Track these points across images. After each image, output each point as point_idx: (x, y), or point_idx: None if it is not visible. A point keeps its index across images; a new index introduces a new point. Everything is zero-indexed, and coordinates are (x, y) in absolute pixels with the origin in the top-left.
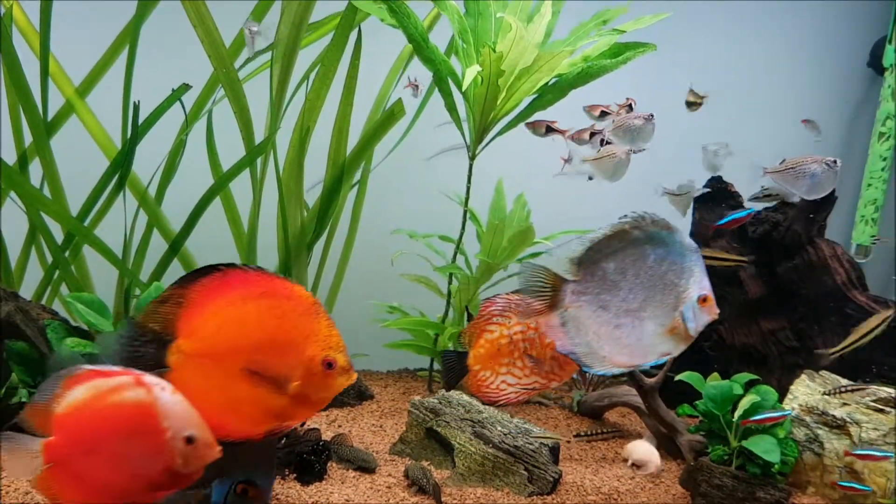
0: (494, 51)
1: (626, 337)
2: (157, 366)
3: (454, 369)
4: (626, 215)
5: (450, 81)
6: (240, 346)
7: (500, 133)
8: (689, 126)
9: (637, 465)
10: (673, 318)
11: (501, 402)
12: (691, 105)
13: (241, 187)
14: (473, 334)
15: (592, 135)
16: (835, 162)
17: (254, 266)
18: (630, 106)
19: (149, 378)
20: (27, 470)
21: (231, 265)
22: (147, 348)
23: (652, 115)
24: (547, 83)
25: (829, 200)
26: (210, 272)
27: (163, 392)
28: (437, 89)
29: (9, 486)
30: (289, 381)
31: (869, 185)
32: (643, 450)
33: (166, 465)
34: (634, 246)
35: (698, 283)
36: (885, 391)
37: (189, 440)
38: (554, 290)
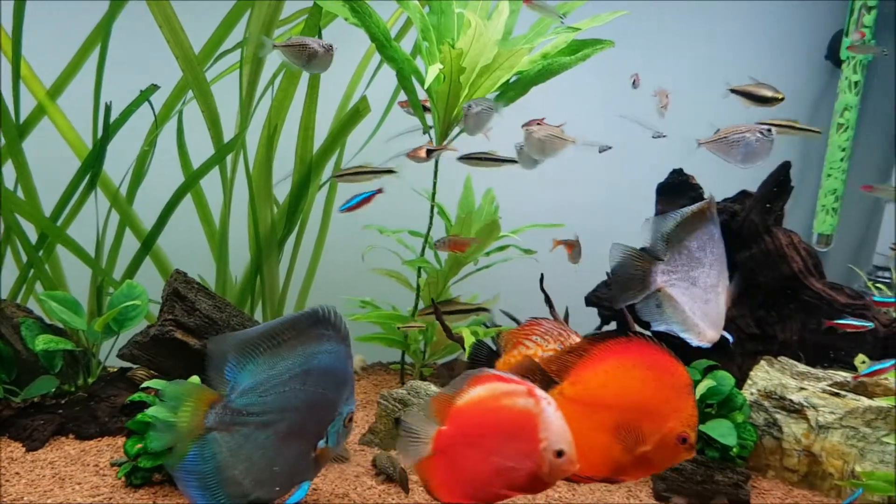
0: (454, 47)
1: (712, 311)
2: None
3: (480, 363)
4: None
5: (413, 80)
6: (616, 404)
7: (463, 130)
8: (652, 122)
9: None
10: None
11: None
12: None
13: (212, 187)
14: (511, 341)
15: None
16: (769, 130)
17: (655, 340)
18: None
19: (539, 392)
20: (416, 452)
21: (637, 334)
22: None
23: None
24: (508, 80)
25: (786, 190)
26: (618, 336)
27: (548, 406)
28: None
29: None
30: (643, 444)
31: (829, 175)
32: None
33: (532, 471)
34: (707, 225)
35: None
36: (841, 375)
37: (559, 454)
38: (644, 272)
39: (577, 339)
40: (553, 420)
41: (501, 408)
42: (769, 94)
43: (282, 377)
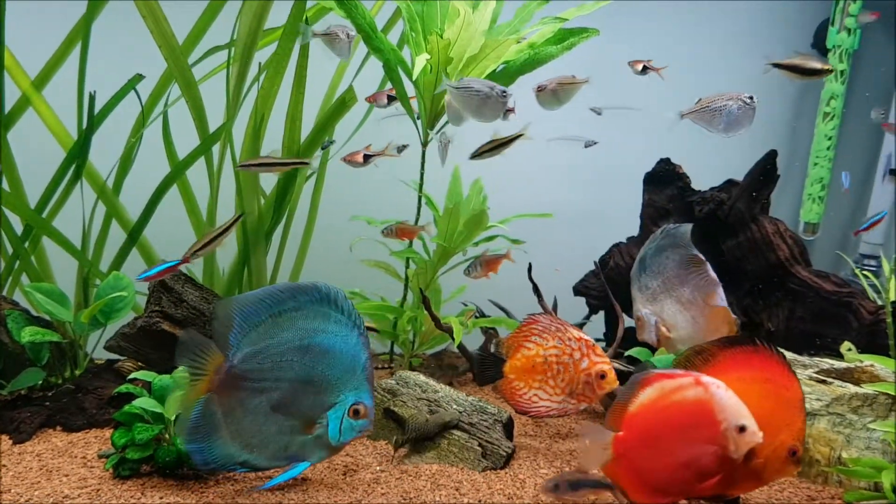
0: (441, 37)
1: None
2: None
3: (489, 371)
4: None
5: (400, 71)
6: None
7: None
8: (638, 113)
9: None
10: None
11: (532, 414)
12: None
13: (198, 178)
14: (512, 345)
15: (391, 99)
16: (751, 98)
17: (777, 350)
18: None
19: (705, 378)
20: (597, 459)
21: (763, 343)
22: None
23: None
24: (495, 70)
25: (772, 179)
26: (745, 343)
27: (718, 389)
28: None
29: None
30: (756, 456)
31: (815, 164)
32: None
33: (718, 454)
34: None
35: None
36: (827, 363)
37: (741, 429)
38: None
39: (575, 333)
40: (726, 399)
41: (673, 404)
42: (818, 65)
43: (280, 347)
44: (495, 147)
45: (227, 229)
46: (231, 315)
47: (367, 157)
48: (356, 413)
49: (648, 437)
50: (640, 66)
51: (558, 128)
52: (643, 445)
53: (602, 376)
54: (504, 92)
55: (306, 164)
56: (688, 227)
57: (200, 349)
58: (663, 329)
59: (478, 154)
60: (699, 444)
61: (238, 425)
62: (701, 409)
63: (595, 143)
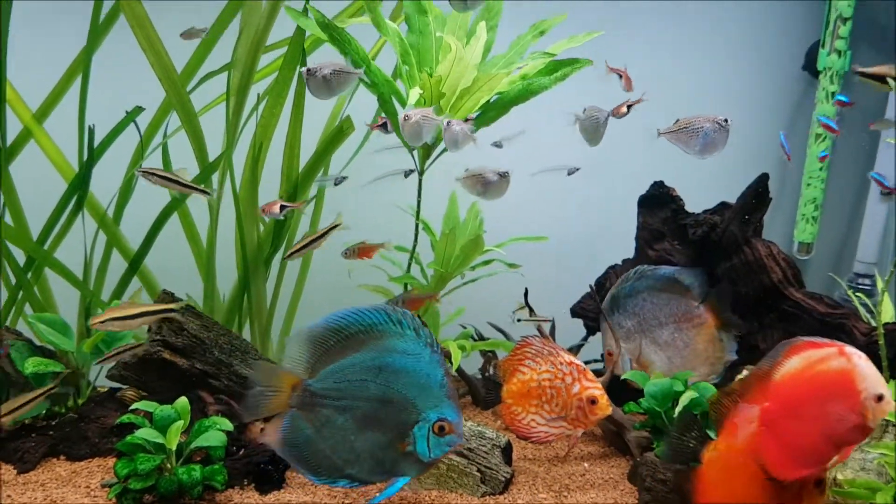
0: (432, 76)
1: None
2: None
3: (490, 396)
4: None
5: (394, 102)
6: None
7: (444, 151)
8: (628, 134)
9: None
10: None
11: (533, 439)
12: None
13: (198, 207)
14: (508, 369)
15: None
16: (725, 121)
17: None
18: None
19: (848, 348)
20: (744, 432)
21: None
22: None
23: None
24: (489, 101)
25: (764, 202)
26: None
27: (859, 359)
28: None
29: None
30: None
31: (808, 184)
32: None
33: (857, 423)
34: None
35: None
36: None
37: (879, 398)
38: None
39: (566, 357)
40: (867, 369)
41: (818, 374)
42: None
43: (354, 367)
44: (310, 243)
45: (323, 234)
46: (303, 339)
47: (282, 207)
48: (441, 430)
49: (794, 408)
50: (624, 110)
51: (550, 155)
52: (789, 416)
53: (593, 401)
54: (506, 173)
55: (208, 193)
56: (667, 270)
57: (273, 371)
58: (635, 366)
59: (292, 253)
60: (842, 415)
61: (332, 441)
62: (844, 378)
63: (577, 170)
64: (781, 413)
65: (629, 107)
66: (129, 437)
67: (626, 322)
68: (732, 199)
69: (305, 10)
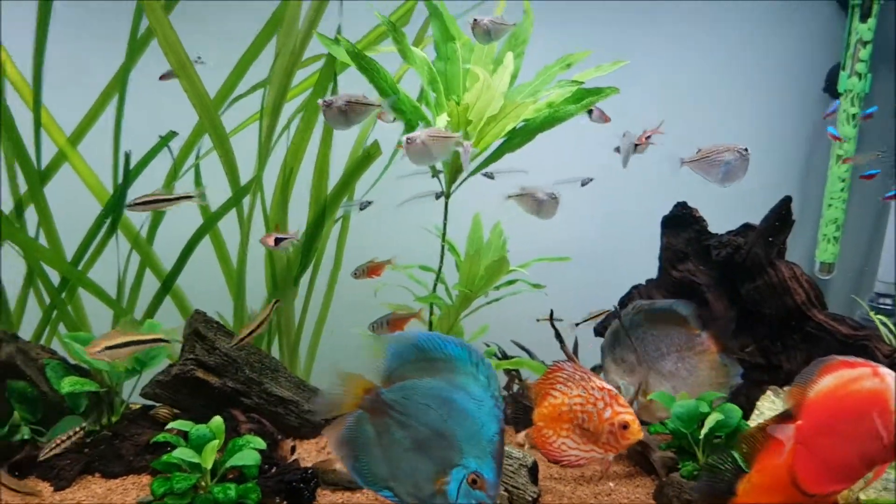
0: (459, 103)
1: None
2: None
3: (521, 418)
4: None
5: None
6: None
7: (472, 174)
8: (654, 155)
9: None
10: None
11: (564, 463)
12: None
13: (228, 227)
14: (539, 393)
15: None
16: (745, 150)
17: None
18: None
19: (883, 369)
20: (785, 445)
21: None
22: None
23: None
24: (515, 127)
25: (788, 224)
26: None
27: (892, 380)
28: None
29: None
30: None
31: (829, 205)
32: None
33: (889, 442)
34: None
35: None
36: None
37: None
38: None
39: (598, 382)
40: None
41: (851, 393)
42: None
43: (424, 390)
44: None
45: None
46: (386, 349)
47: (278, 241)
48: (474, 482)
49: (827, 425)
50: (644, 141)
51: (576, 173)
52: (822, 433)
53: (625, 426)
54: (555, 195)
55: (191, 197)
56: (664, 303)
57: (350, 374)
58: (642, 399)
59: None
60: (873, 432)
61: (386, 450)
62: (877, 398)
63: (591, 180)
64: (815, 430)
65: (647, 138)
66: (165, 457)
67: (628, 356)
68: (752, 219)
69: (337, 39)
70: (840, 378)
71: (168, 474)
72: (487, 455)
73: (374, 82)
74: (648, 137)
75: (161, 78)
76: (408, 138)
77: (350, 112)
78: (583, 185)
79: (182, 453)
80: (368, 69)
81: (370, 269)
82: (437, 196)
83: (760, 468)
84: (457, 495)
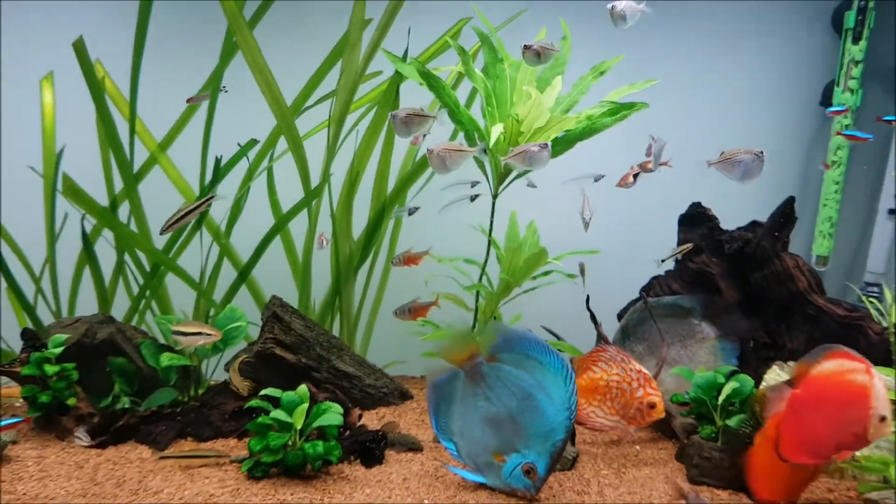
0: (516, 119)
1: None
2: None
3: None
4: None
5: (476, 137)
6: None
7: (517, 177)
8: (674, 161)
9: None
10: None
11: (588, 426)
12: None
13: (294, 222)
14: (581, 366)
15: None
16: (761, 153)
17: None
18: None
19: (874, 369)
20: (773, 406)
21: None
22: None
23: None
24: (557, 137)
25: (791, 221)
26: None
27: (878, 381)
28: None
29: (161, 488)
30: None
31: (825, 205)
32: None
33: (859, 433)
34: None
35: None
36: None
37: (882, 418)
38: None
39: (636, 366)
40: (881, 392)
41: (844, 381)
42: None
43: (516, 378)
44: (185, 215)
45: (197, 207)
46: (496, 332)
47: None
48: (527, 472)
49: (816, 401)
50: (634, 173)
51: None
52: (810, 407)
53: (651, 406)
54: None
55: (213, 197)
56: (668, 299)
57: (470, 336)
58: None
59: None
60: (850, 421)
61: (465, 411)
62: (862, 392)
63: (603, 177)
64: (805, 402)
65: (660, 164)
66: (259, 419)
67: (636, 347)
68: (756, 217)
69: (405, 56)
70: (839, 365)
71: (263, 434)
72: (547, 454)
73: (440, 98)
74: (642, 170)
75: (188, 101)
76: (428, 150)
77: (410, 123)
78: (595, 181)
79: (278, 414)
80: (436, 87)
81: (406, 259)
82: (472, 199)
83: (769, 423)
84: (509, 475)
